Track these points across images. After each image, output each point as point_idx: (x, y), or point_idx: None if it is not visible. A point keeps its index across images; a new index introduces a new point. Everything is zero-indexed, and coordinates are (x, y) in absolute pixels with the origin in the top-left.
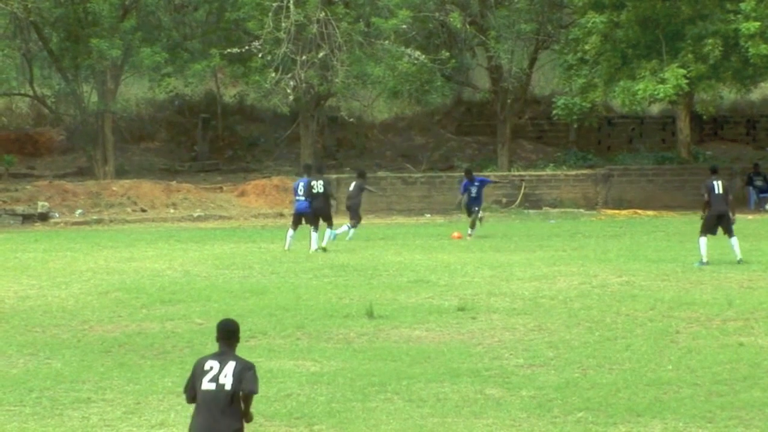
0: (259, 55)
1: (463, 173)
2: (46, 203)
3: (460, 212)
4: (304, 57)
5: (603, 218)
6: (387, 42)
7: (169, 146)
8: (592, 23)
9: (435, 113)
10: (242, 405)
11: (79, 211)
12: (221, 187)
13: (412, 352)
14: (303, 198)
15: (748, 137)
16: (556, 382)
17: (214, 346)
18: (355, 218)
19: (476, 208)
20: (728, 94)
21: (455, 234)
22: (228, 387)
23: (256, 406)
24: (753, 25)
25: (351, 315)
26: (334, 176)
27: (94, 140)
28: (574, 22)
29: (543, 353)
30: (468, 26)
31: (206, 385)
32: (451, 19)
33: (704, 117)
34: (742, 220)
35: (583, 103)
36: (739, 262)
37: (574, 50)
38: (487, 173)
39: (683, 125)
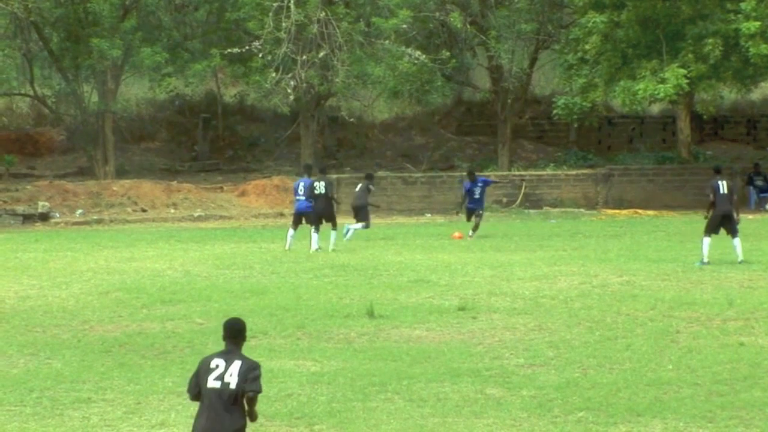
0: (260, 55)
1: (464, 173)
2: (46, 203)
3: (460, 212)
4: (304, 57)
5: (603, 218)
6: (387, 42)
7: (169, 146)
8: (593, 23)
9: (435, 113)
10: (246, 405)
11: (80, 211)
12: (222, 187)
13: (413, 351)
14: (303, 198)
15: (749, 137)
16: (556, 382)
17: (214, 346)
18: (364, 219)
19: (479, 211)
20: (728, 93)
21: (456, 234)
22: (233, 386)
23: (257, 405)
24: (753, 25)
25: (351, 315)
26: (334, 176)
27: (95, 140)
28: (574, 21)
29: (543, 353)
30: (468, 26)
31: (211, 383)
32: (452, 19)
33: (704, 117)
34: (742, 219)
35: (584, 103)
36: (740, 263)
37: (574, 50)
38: (487, 173)
39: (683, 125)
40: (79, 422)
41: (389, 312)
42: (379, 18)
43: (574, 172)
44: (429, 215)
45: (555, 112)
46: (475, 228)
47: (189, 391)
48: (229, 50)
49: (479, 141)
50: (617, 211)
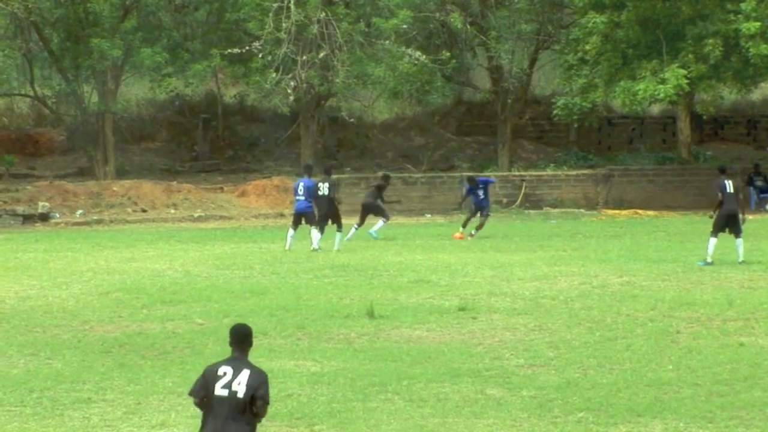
0: (260, 56)
1: (464, 174)
2: (46, 203)
3: (461, 212)
4: (304, 57)
5: (603, 218)
6: (387, 42)
7: (169, 146)
8: (593, 23)
9: (435, 113)
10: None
11: (80, 211)
12: (222, 188)
13: (413, 352)
14: (303, 198)
15: (749, 137)
16: (556, 382)
17: (214, 347)
18: (381, 214)
19: (486, 211)
20: (729, 94)
21: (457, 234)
22: (240, 395)
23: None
24: (753, 25)
25: (351, 315)
26: (334, 176)
27: (95, 140)
28: (574, 22)
29: (544, 353)
30: (468, 26)
31: (219, 391)
32: (452, 20)
33: (705, 117)
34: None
35: (584, 103)
36: (741, 263)
37: (574, 50)
38: (487, 173)
39: (684, 125)
40: (79, 422)
41: (389, 312)
42: (379, 18)
43: (574, 172)
44: (429, 215)
45: (555, 112)
46: (480, 227)
47: (194, 395)
48: (229, 50)
49: (479, 141)
50: (617, 211)
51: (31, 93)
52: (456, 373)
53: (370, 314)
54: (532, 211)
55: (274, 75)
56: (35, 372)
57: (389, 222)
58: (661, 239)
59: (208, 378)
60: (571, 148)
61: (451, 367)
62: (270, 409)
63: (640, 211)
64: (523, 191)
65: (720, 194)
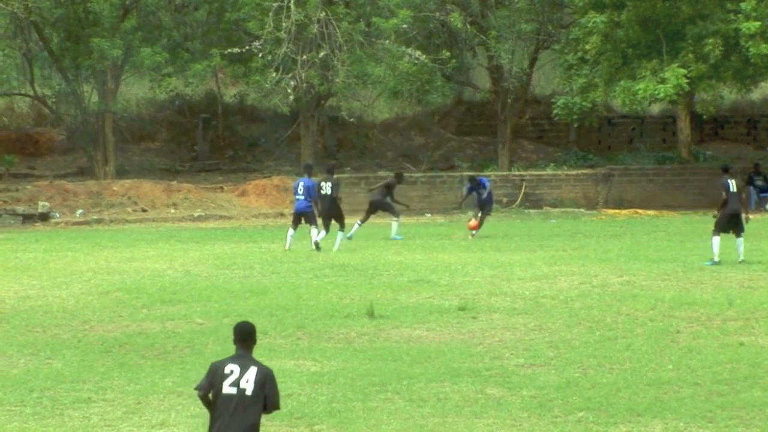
0: (260, 55)
1: (464, 173)
2: (46, 203)
3: (461, 212)
4: (304, 57)
5: (603, 218)
6: (387, 42)
7: (169, 146)
8: (593, 23)
9: (435, 113)
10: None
11: (80, 211)
12: (222, 187)
13: (413, 351)
14: (302, 198)
15: (749, 137)
16: (556, 382)
17: (214, 346)
18: (391, 212)
19: (487, 209)
20: (729, 93)
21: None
22: (249, 392)
23: None
24: (753, 25)
25: (351, 315)
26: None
27: (95, 140)
28: (574, 21)
29: (544, 353)
30: (468, 26)
31: (227, 389)
32: (452, 19)
33: (705, 117)
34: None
35: (584, 103)
36: (740, 262)
37: (574, 50)
38: (487, 173)
39: (684, 125)
40: (79, 422)
41: (389, 312)
42: (379, 18)
43: (574, 172)
44: (429, 215)
45: (555, 112)
46: (479, 225)
47: (200, 389)
48: (229, 50)
49: (479, 141)
50: (617, 211)
51: (31, 93)
52: (456, 373)
53: (370, 314)
54: (532, 211)
55: (274, 75)
56: (35, 372)
57: (400, 221)
58: (661, 239)
59: (215, 376)
60: (571, 148)
61: (451, 366)
62: None
63: (640, 211)
64: (523, 191)
65: (724, 194)
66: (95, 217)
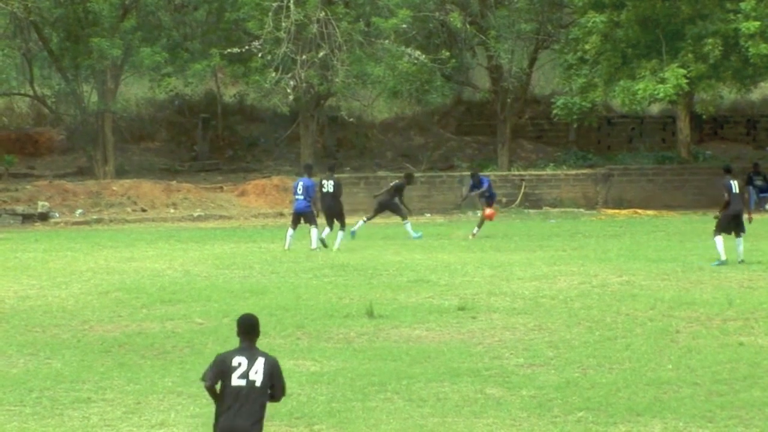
0: (259, 55)
1: (464, 173)
2: (46, 203)
3: (461, 212)
4: (304, 57)
5: (603, 218)
6: (387, 42)
7: (169, 146)
8: (592, 23)
9: (435, 113)
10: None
11: (79, 210)
12: (221, 187)
13: (413, 351)
14: (302, 197)
15: (748, 137)
16: (556, 382)
17: (214, 346)
18: (398, 212)
19: (491, 202)
20: (728, 93)
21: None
22: (258, 383)
23: None
24: (753, 25)
25: (351, 315)
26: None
27: (94, 140)
28: (574, 21)
29: (543, 353)
30: (468, 26)
31: (236, 381)
32: (451, 19)
33: (704, 117)
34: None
35: (583, 103)
36: (740, 262)
37: (574, 50)
38: (487, 173)
39: (683, 125)
40: (78, 422)
41: (389, 312)
42: (379, 18)
43: (573, 172)
44: (429, 215)
45: (554, 112)
46: (480, 225)
47: (207, 380)
48: (228, 50)
49: (479, 141)
50: (617, 211)
51: (31, 93)
52: (456, 373)
53: (370, 314)
54: (531, 211)
55: (273, 74)
56: (35, 372)
57: (409, 220)
58: (660, 239)
59: (222, 368)
60: (571, 148)
61: (450, 366)
62: (270, 409)
63: (639, 211)
64: (522, 191)
65: (727, 194)
66: (95, 217)
